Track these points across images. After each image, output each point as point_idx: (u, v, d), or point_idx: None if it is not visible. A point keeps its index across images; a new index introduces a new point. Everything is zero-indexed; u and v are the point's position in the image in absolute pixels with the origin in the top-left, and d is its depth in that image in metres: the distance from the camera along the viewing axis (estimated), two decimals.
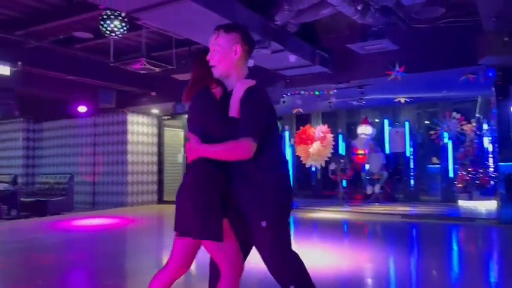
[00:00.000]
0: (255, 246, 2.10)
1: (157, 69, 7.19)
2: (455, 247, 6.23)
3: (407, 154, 10.85)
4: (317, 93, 8.67)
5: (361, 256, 5.19)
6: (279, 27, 5.82)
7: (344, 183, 10.87)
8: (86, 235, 7.24)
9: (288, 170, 2.14)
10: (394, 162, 11.08)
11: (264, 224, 1.99)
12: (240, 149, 1.94)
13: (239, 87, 2.02)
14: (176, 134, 13.40)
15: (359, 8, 5.30)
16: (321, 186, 11.98)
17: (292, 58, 6.30)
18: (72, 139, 11.75)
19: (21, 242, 6.60)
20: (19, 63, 7.59)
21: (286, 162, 2.16)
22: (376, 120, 11.38)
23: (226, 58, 2.05)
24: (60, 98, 10.34)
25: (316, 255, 5.26)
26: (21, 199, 9.68)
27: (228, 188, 2.06)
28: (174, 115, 11.85)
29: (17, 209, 9.45)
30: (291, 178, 2.21)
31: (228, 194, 2.06)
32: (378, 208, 9.37)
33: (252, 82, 2.04)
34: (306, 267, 2.14)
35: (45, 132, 12.27)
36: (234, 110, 2.00)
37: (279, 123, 12.10)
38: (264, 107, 2.02)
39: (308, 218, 8.85)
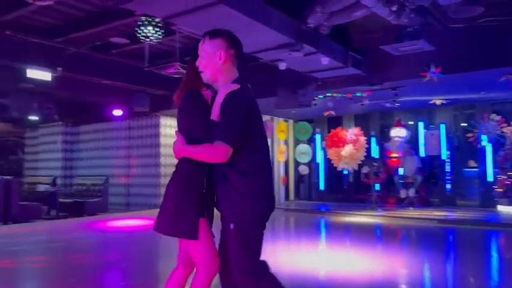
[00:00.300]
0: None
1: None
2: (494, 254, 6.00)
3: (443, 157, 10.53)
4: (349, 95, 8.56)
5: (395, 262, 5.07)
6: (311, 29, 5.80)
7: (377, 186, 10.68)
8: (121, 235, 7.43)
9: (270, 178, 2.15)
10: (430, 166, 10.79)
11: (231, 226, 2.06)
12: (214, 153, 1.98)
13: (221, 92, 2.07)
14: None
15: (394, 8, 5.20)
16: (353, 189, 11.81)
17: (325, 60, 6.26)
18: (108, 142, 12.08)
19: (61, 241, 6.84)
20: (59, 69, 7.87)
21: (269, 169, 2.15)
22: (410, 122, 11.12)
23: (211, 63, 2.11)
24: (97, 102, 10.66)
25: (348, 259, 5.18)
26: (60, 200, 10.02)
27: (209, 188, 2.14)
28: None
29: (56, 210, 9.79)
30: (273, 186, 2.27)
31: (208, 194, 2.15)
32: (412, 213, 9.15)
33: (234, 87, 2.07)
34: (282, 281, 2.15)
35: (82, 135, 12.67)
36: (214, 114, 2.07)
37: (309, 126, 12.06)
38: (242, 113, 2.02)
39: (340, 221, 8.74)
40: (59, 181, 11.77)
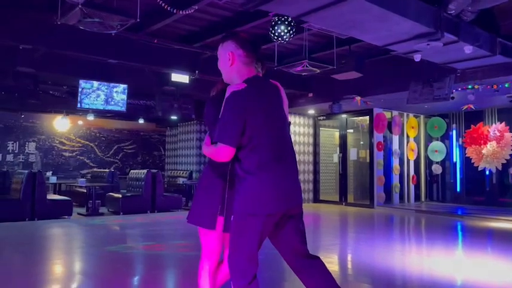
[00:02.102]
0: None
1: (317, 71, 7.29)
2: None
3: None
4: (495, 86, 7.67)
5: None
6: (452, 16, 5.33)
7: None
8: None
9: (273, 179, 2.03)
10: None
11: (232, 218, 2.09)
12: (216, 153, 2.06)
13: (227, 92, 2.08)
14: (332, 134, 13.44)
15: None
16: (496, 192, 10.58)
17: (468, 49, 5.69)
18: None
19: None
20: (196, 72, 8.56)
21: (273, 169, 2.04)
22: None
23: (224, 65, 2.20)
24: None
25: (491, 269, 4.67)
26: None
27: (231, 186, 2.24)
28: (329, 115, 11.90)
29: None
30: (281, 187, 2.07)
31: (230, 192, 2.24)
32: None
33: (238, 86, 2.06)
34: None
35: None
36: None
37: (442, 122, 11.12)
38: (238, 112, 2.00)
39: (481, 226, 7.91)
40: (194, 175, 12.83)
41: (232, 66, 2.17)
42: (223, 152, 2.03)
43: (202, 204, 2.32)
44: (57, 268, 4.70)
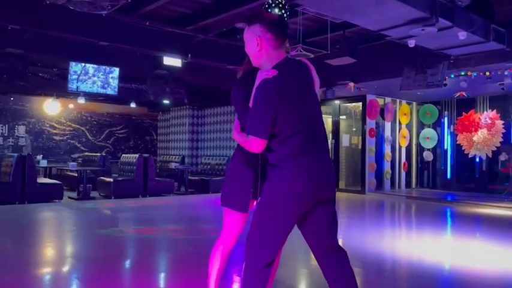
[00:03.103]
0: None
1: (311, 55, 7.23)
2: None
3: None
4: (487, 73, 7.69)
5: None
6: (447, 1, 5.30)
7: None
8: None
9: (306, 165, 1.95)
10: None
11: (259, 199, 2.08)
12: (248, 145, 1.99)
13: (257, 78, 2.00)
14: (324, 120, 13.38)
15: None
16: (486, 179, 10.69)
17: (462, 35, 5.67)
18: (229, 125, 12.71)
19: (191, 213, 7.45)
20: (189, 55, 8.45)
21: (305, 156, 1.95)
22: None
23: (252, 50, 2.07)
24: (221, 87, 11.24)
25: (479, 253, 4.74)
26: (189, 177, 10.89)
27: (263, 172, 2.16)
28: (322, 101, 11.87)
29: (185, 186, 10.67)
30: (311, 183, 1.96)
31: (263, 178, 2.17)
32: None
33: (269, 73, 1.96)
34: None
35: (206, 118, 13.53)
36: (251, 101, 2.01)
37: (435, 109, 11.18)
38: (270, 103, 1.91)
39: (470, 212, 8.00)
40: (186, 160, 12.81)
41: (261, 51, 2.04)
42: (255, 145, 1.95)
43: (235, 187, 2.29)
44: (48, 251, 4.68)
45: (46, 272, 3.85)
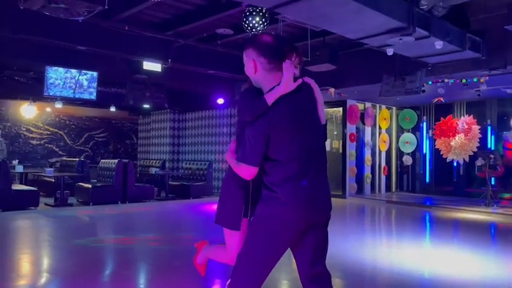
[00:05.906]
0: None
1: None
2: None
3: None
4: (464, 81, 7.84)
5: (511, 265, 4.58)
6: (424, 11, 5.38)
7: (493, 181, 9.73)
8: None
9: (300, 190, 1.91)
10: None
11: (252, 220, 2.10)
12: (239, 171, 2.00)
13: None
14: None
15: None
16: (463, 183, 10.90)
17: (439, 44, 5.77)
18: (211, 129, 12.65)
19: (171, 221, 7.36)
20: (169, 60, 8.38)
21: (299, 180, 1.91)
22: None
23: (250, 73, 2.07)
24: (201, 91, 11.17)
25: (457, 260, 4.82)
26: (169, 182, 10.78)
27: (256, 192, 2.15)
28: None
29: (166, 191, 10.56)
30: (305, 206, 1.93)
31: (255, 197, 2.17)
32: None
33: (276, 93, 1.92)
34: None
35: (187, 122, 13.43)
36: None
37: (414, 114, 11.34)
38: (264, 129, 1.90)
39: (448, 217, 8.14)
40: (167, 165, 12.67)
41: (257, 74, 2.03)
42: (244, 171, 1.96)
43: (226, 204, 2.31)
44: (21, 264, 4.55)
45: (19, 286, 3.73)
